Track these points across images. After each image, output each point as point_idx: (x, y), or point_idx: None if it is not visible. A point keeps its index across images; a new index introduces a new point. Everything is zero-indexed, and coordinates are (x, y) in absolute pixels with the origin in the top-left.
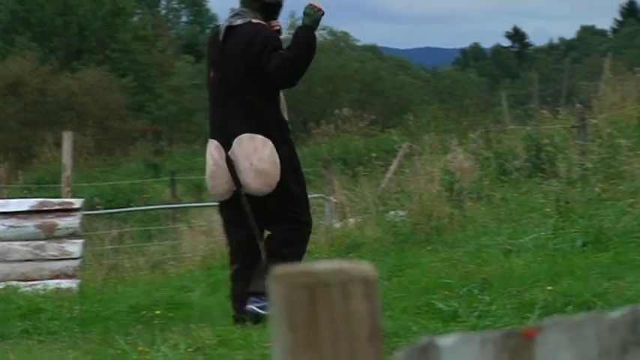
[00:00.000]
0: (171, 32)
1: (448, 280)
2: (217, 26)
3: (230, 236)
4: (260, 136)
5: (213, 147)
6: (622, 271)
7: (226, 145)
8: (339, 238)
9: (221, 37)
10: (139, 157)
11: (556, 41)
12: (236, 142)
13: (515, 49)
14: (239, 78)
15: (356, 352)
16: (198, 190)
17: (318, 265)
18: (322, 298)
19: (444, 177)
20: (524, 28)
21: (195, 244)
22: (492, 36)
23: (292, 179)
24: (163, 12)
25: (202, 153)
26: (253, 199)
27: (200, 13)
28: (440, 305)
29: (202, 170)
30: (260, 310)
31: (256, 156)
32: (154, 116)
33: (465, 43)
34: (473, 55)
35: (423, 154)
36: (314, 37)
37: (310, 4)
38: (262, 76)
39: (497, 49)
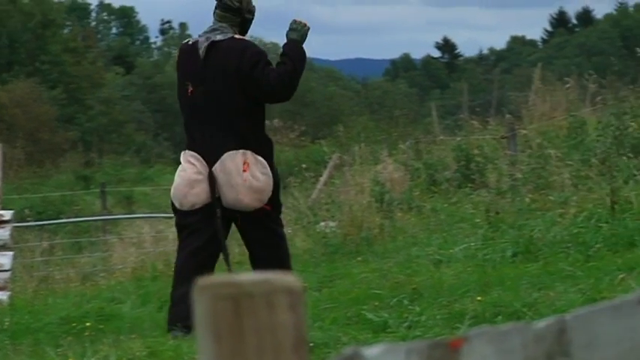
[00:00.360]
0: (102, 44)
1: (378, 291)
2: (189, 41)
3: (185, 245)
4: (251, 152)
5: (193, 158)
6: (551, 281)
7: (211, 159)
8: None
9: (202, 52)
10: (70, 169)
11: (486, 52)
12: (226, 157)
13: (445, 60)
14: (226, 93)
15: None
16: (129, 201)
17: (243, 276)
18: (247, 309)
19: (375, 188)
20: (455, 38)
21: (125, 255)
22: (422, 47)
23: (277, 194)
24: (93, 24)
25: (132, 165)
26: (232, 213)
27: (130, 25)
28: (370, 316)
29: (132, 182)
30: None
31: (250, 172)
32: (84, 128)
33: (395, 54)
34: (403, 66)
35: (353, 165)
36: (304, 50)
37: (295, 20)
38: (256, 91)
39: (428, 60)
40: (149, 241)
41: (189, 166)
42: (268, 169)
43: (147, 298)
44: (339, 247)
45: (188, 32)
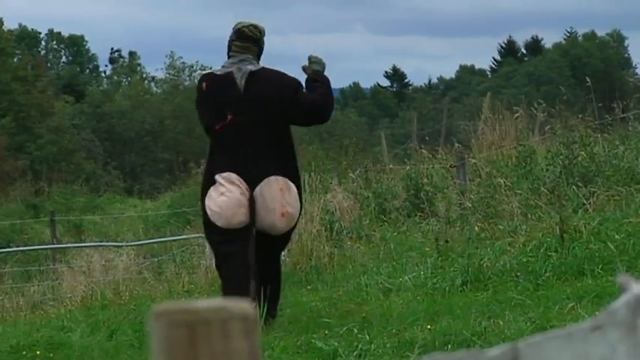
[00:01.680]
0: (51, 72)
1: (328, 320)
2: (215, 72)
3: (229, 265)
4: (285, 179)
5: (236, 179)
6: (501, 310)
7: (251, 183)
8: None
9: (241, 82)
10: (19, 198)
11: (435, 81)
12: (265, 182)
13: (394, 89)
14: (267, 120)
15: None
16: (78, 230)
17: (199, 302)
18: (202, 336)
19: (324, 216)
20: (404, 67)
21: (75, 284)
22: (371, 75)
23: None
24: (43, 52)
25: (81, 193)
26: (264, 234)
27: (80, 54)
28: (320, 344)
29: (82, 210)
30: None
31: (285, 198)
32: (34, 156)
33: (345, 83)
34: (352, 95)
35: (303, 194)
36: (329, 79)
37: (312, 55)
38: (300, 114)
39: (377, 89)
40: (98, 270)
41: (234, 188)
42: (298, 197)
43: (96, 326)
44: (288, 275)
45: (137, 61)
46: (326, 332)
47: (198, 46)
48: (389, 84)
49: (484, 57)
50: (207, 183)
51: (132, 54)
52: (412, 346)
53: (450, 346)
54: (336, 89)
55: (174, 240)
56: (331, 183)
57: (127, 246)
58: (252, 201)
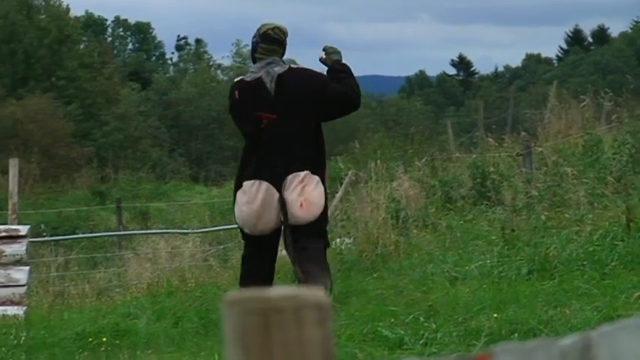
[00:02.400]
0: (118, 60)
1: (394, 308)
2: (245, 78)
3: (253, 267)
4: (306, 172)
5: (262, 188)
6: (567, 299)
7: (278, 183)
8: (285, 266)
9: (271, 85)
10: (85, 185)
11: (501, 69)
12: (291, 177)
13: (460, 78)
14: (300, 120)
15: None
16: (144, 217)
17: (272, 290)
18: (276, 324)
19: (390, 205)
20: (470, 56)
21: (140, 271)
22: (438, 64)
23: (327, 210)
24: (109, 39)
25: (148, 180)
26: (294, 227)
27: (146, 41)
28: (386, 332)
29: (148, 197)
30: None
31: (304, 189)
32: (100, 144)
33: (411, 71)
34: (418, 83)
35: (369, 182)
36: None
37: (328, 46)
38: (334, 106)
39: (443, 77)
40: (164, 257)
41: (258, 195)
42: (321, 185)
43: (162, 313)
44: (354, 263)
45: (204, 49)
46: (392, 320)
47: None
48: (455, 72)
49: (550, 46)
50: (237, 187)
51: (198, 41)
52: (478, 334)
53: (516, 335)
54: (402, 77)
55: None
56: (397, 171)
57: (192, 233)
58: (283, 204)
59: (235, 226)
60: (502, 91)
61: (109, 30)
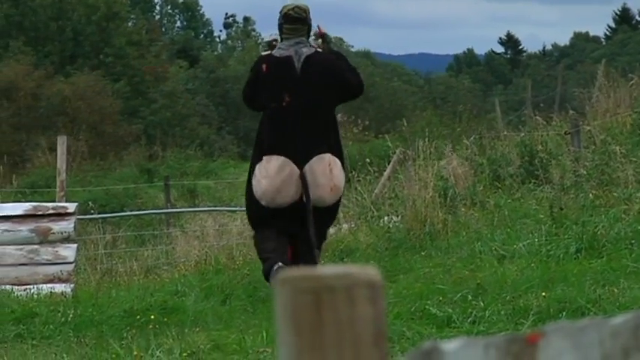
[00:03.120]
0: (166, 37)
1: (442, 286)
2: (273, 54)
3: (265, 221)
4: (332, 155)
5: (282, 162)
6: (615, 278)
7: (301, 161)
8: (332, 244)
9: (299, 66)
10: (133, 162)
11: (549, 47)
12: (315, 159)
13: (508, 56)
14: (322, 102)
15: (360, 357)
16: (192, 195)
17: (324, 269)
18: (327, 303)
19: (438, 183)
20: (517, 34)
21: (188, 249)
22: (486, 42)
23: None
24: (157, 17)
25: (195, 158)
26: (317, 207)
27: (194, 18)
28: (434, 311)
29: (196, 175)
30: None
31: (333, 172)
32: (148, 121)
33: (459, 49)
34: (466, 62)
35: (417, 160)
36: None
37: (318, 32)
38: (348, 90)
39: (491, 56)
40: (212, 235)
41: (277, 171)
42: (342, 168)
43: (210, 291)
44: (402, 241)
45: (252, 27)
46: (440, 299)
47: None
48: (503, 50)
49: (598, 24)
50: (255, 159)
51: (246, 19)
52: (526, 313)
53: (564, 313)
54: (450, 55)
55: None
56: (445, 149)
57: (240, 211)
58: (304, 179)
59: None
60: (550, 70)
61: (157, 8)
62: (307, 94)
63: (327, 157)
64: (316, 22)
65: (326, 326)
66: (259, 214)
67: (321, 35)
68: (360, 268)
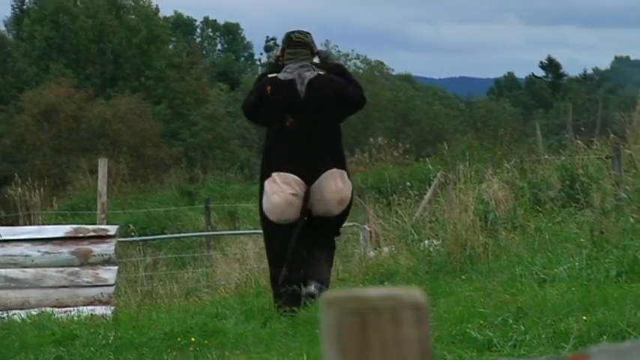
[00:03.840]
0: (206, 60)
1: (482, 310)
2: (278, 77)
3: (279, 246)
4: (339, 170)
5: (291, 179)
6: None
7: (309, 177)
8: (373, 267)
9: (302, 89)
10: (173, 185)
11: (590, 71)
12: (323, 177)
13: (549, 80)
14: (325, 122)
15: None
16: (232, 217)
17: (369, 290)
18: (373, 324)
19: (479, 206)
20: (557, 58)
21: (229, 271)
22: (526, 66)
23: (351, 202)
24: (198, 40)
25: (236, 181)
26: (322, 218)
27: (235, 41)
28: (474, 334)
29: (236, 198)
30: (316, 292)
31: (340, 187)
32: (188, 144)
33: (499, 73)
34: (507, 85)
35: (457, 184)
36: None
37: (321, 51)
38: (350, 106)
39: (531, 79)
40: (253, 258)
41: (287, 187)
42: (348, 179)
43: (250, 314)
44: (442, 265)
45: None
46: (481, 322)
47: (349, 35)
48: (544, 74)
49: (639, 48)
50: (265, 175)
51: None
52: (567, 336)
53: (605, 337)
54: (490, 79)
55: None
56: (486, 173)
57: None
58: (307, 195)
59: None
60: (591, 94)
61: (198, 30)
62: (311, 116)
63: (334, 172)
64: (354, 46)
65: (371, 347)
66: (270, 229)
67: (317, 53)
68: (406, 290)
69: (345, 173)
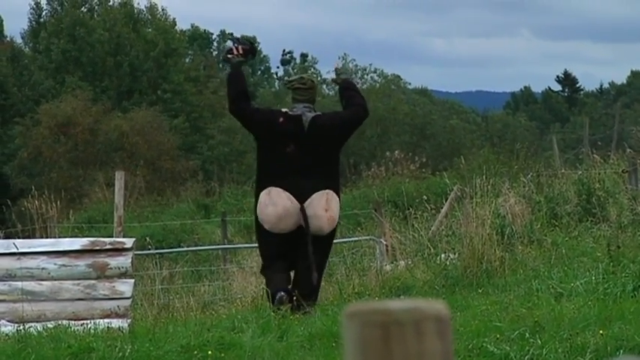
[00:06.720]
0: (223, 73)
1: (499, 324)
2: (288, 112)
3: (272, 254)
4: (329, 191)
5: (285, 195)
6: None
7: (302, 198)
8: (389, 281)
9: (307, 124)
10: (190, 198)
11: (606, 86)
12: (315, 196)
13: (565, 94)
14: (322, 153)
15: None
16: (249, 231)
17: (392, 303)
18: (396, 336)
19: (495, 220)
20: (574, 72)
21: (245, 285)
22: (542, 80)
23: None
24: (215, 53)
25: (252, 194)
26: (316, 236)
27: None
28: (491, 348)
29: (252, 211)
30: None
31: (330, 206)
32: (205, 157)
33: (516, 87)
34: (523, 99)
35: (474, 198)
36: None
37: (338, 68)
38: (351, 124)
39: (548, 94)
40: None
41: (281, 202)
42: (338, 200)
43: (267, 327)
44: (459, 279)
45: (311, 63)
46: (497, 336)
47: (363, 48)
48: (560, 89)
49: None
50: (260, 187)
51: (303, 56)
52: (584, 351)
53: (621, 351)
54: (507, 93)
55: (344, 242)
56: (502, 187)
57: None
58: (304, 213)
59: (338, 241)
60: (607, 108)
61: (215, 44)
62: (310, 145)
63: (326, 193)
64: (370, 60)
65: None
66: (266, 239)
67: (335, 69)
68: (428, 303)
69: (335, 195)
